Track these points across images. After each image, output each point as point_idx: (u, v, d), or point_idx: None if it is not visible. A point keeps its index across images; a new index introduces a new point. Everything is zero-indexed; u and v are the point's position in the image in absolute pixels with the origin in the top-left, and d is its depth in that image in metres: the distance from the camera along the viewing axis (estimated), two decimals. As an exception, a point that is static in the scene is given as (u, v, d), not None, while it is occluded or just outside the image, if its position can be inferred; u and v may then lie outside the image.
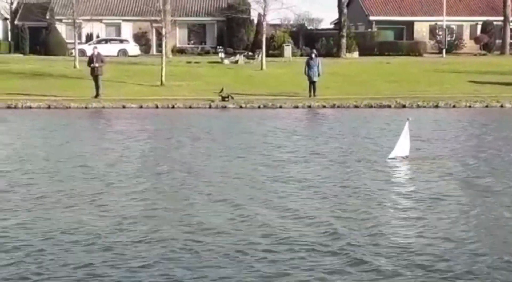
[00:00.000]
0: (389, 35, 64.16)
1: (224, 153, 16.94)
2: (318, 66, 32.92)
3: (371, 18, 65.26)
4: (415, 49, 59.77)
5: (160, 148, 18.47)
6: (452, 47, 62.20)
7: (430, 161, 15.56)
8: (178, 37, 64.42)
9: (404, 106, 30.61)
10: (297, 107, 30.33)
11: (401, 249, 8.72)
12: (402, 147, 15.49)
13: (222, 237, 9.24)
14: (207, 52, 61.29)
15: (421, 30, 65.38)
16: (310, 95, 32.72)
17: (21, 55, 57.57)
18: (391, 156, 15.51)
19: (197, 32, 66.68)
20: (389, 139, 18.23)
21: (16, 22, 65.69)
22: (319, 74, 33.06)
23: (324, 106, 30.49)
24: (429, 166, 14.87)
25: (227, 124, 24.57)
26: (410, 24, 65.70)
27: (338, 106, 30.52)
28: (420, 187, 12.67)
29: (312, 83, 33.00)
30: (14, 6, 70.36)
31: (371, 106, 30.67)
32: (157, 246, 8.87)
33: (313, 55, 33.61)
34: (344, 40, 56.63)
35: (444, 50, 58.51)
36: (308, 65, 32.99)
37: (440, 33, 61.27)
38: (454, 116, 26.95)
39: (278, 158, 16.03)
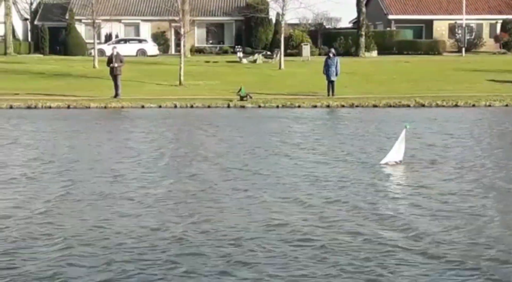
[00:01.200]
0: (408, 34, 63.91)
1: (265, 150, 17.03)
2: (336, 66, 32.85)
3: (390, 17, 65.06)
4: (434, 48, 59.52)
5: (192, 146, 18.39)
6: (472, 46, 61.90)
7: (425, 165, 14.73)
8: (197, 36, 64.60)
9: (423, 105, 30.47)
10: (315, 106, 30.28)
11: None
12: (396, 152, 14.90)
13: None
14: (225, 52, 61.43)
15: (440, 29, 65.08)
16: (328, 95, 32.69)
17: (41, 56, 57.97)
18: (383, 161, 14.84)
19: (215, 32, 66.82)
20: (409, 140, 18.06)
21: (36, 22, 66.16)
22: (337, 74, 33.00)
23: (343, 106, 30.42)
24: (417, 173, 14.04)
25: (249, 123, 24.55)
26: (429, 23, 65.44)
27: (357, 106, 30.43)
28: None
29: (330, 82, 32.96)
30: (34, 6, 70.87)
31: (390, 106, 30.55)
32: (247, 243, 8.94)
33: (331, 54, 33.53)
34: (362, 39, 56.49)
35: (463, 49, 58.26)
36: (327, 65, 32.94)
37: (460, 31, 61.00)
38: (473, 115, 26.77)
39: (316, 159, 15.87)
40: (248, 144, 18.44)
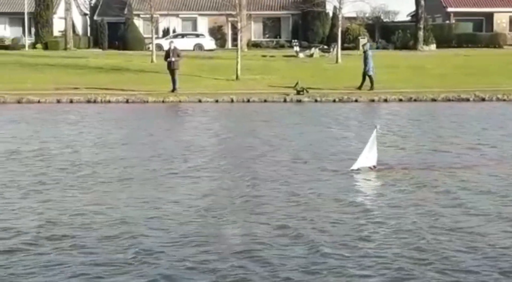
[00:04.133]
0: (467, 27, 62.79)
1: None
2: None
3: (449, 9, 64.05)
4: (494, 41, 58.40)
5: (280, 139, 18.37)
6: (534, 39, 60.59)
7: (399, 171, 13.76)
8: (253, 31, 64.68)
9: (483, 99, 29.95)
10: (373, 101, 30.03)
11: None
12: (368, 156, 13.56)
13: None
14: (282, 46, 61.32)
15: (501, 21, 63.79)
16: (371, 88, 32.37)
17: (100, 50, 58.75)
18: (354, 167, 13.47)
19: (272, 26, 66.79)
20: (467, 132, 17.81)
21: (95, 17, 67.09)
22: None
23: (401, 100, 30.08)
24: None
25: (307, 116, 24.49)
26: (490, 16, 64.21)
27: (415, 100, 30.07)
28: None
29: (369, 76, 32.74)
30: (93, 1, 71.92)
31: (449, 100, 30.12)
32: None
33: (366, 48, 33.59)
34: (421, 33, 55.79)
35: (525, 42, 57.08)
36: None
37: (521, 24, 59.75)
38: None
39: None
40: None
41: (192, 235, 9.19)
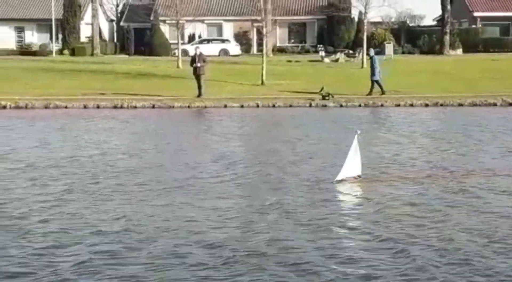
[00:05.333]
0: (494, 31, 62.35)
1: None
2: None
3: (476, 14, 63.62)
4: (522, 46, 57.91)
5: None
6: (562, 43, 59.94)
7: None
8: (279, 36, 64.73)
9: (510, 104, 29.74)
10: (398, 105, 29.94)
11: None
12: (352, 165, 12.76)
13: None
14: (307, 51, 61.31)
15: (528, 25, 63.25)
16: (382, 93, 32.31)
17: (126, 56, 59.17)
18: (338, 177, 12.64)
19: (297, 31, 66.82)
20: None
21: (121, 23, 67.61)
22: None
23: (427, 105, 29.97)
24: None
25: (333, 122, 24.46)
26: (517, 20, 63.67)
27: (442, 105, 29.94)
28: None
29: (376, 82, 32.68)
30: (120, 8, 72.47)
31: (475, 105, 29.95)
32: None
33: (371, 54, 33.75)
34: (447, 37, 55.51)
35: (553, 46, 56.52)
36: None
37: (549, 28, 59.20)
38: None
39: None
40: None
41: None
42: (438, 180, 13.14)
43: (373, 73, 32.80)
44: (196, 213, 10.69)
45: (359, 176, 12.82)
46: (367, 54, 35.40)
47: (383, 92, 32.33)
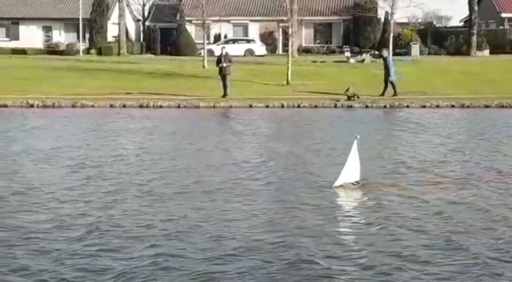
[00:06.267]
0: (522, 33, 61.80)
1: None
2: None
3: (503, 15, 63.13)
4: (550, 47, 57.33)
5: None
6: None
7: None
8: (304, 36, 64.68)
9: (537, 106, 29.50)
10: (424, 107, 29.79)
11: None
12: (351, 171, 12.31)
13: None
14: (333, 52, 61.20)
15: (556, 26, 62.62)
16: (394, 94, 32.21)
17: (152, 56, 59.48)
18: (336, 183, 12.20)
19: (323, 32, 66.73)
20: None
21: (148, 23, 68.01)
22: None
23: (453, 106, 29.79)
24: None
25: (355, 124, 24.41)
26: (545, 21, 63.09)
27: (468, 106, 29.74)
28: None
29: (391, 83, 32.53)
30: (146, 8, 72.90)
31: (502, 106, 29.72)
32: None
33: (386, 54, 33.83)
34: (474, 38, 55.15)
35: None
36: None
37: None
38: None
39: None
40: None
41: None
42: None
43: (388, 73, 32.64)
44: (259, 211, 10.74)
45: (357, 182, 12.39)
46: (381, 55, 35.32)
47: (395, 94, 32.15)
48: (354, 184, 12.33)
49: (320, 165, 15.01)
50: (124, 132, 21.85)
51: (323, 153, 16.84)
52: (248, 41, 61.03)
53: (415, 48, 51.99)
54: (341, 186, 12.20)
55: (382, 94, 32.39)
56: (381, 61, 47.43)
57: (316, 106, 30.13)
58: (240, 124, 24.26)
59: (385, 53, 34.49)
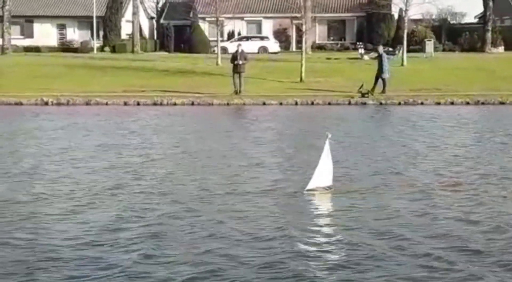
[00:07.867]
0: (537, 29, 61.41)
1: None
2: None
3: (518, 11, 62.75)
4: None
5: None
6: None
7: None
8: (318, 33, 64.58)
9: (552, 103, 29.34)
10: (439, 103, 29.69)
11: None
12: (324, 174, 11.39)
13: None
14: (347, 48, 61.08)
15: None
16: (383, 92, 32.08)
17: (166, 53, 59.55)
18: (309, 187, 11.35)
19: (336, 28, 66.61)
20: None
21: (161, 21, 68.08)
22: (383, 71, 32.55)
23: (468, 103, 29.67)
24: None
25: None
26: (561, 17, 62.65)
27: (483, 103, 29.62)
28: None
29: (382, 79, 32.40)
30: (160, 5, 72.98)
31: (517, 103, 29.61)
32: None
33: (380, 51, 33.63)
34: (489, 35, 54.89)
35: None
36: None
37: None
38: None
39: None
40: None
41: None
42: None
43: (381, 70, 32.52)
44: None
45: (329, 187, 11.46)
46: (376, 52, 35.12)
47: (384, 91, 32.01)
48: (326, 189, 11.44)
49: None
50: (153, 129, 21.38)
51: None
52: (262, 38, 60.97)
53: (430, 45, 51.78)
54: (312, 189, 11.37)
55: (372, 90, 32.04)
56: (395, 58, 47.62)
57: (329, 104, 30.09)
58: (267, 122, 24.22)
59: (380, 50, 34.29)
